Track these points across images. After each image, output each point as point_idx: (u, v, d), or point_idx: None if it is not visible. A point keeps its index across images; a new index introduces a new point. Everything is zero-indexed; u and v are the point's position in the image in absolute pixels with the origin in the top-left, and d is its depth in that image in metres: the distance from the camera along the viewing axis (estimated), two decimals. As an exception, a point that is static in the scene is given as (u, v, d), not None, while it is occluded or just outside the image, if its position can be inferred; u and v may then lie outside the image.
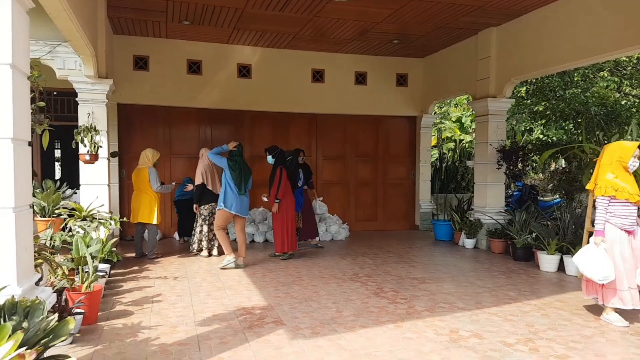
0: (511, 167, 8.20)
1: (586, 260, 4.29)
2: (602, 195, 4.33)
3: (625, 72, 12.57)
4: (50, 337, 2.42)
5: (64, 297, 3.88)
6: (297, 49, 9.75)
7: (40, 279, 3.01)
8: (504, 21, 7.97)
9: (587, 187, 4.66)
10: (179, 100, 9.25)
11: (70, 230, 5.51)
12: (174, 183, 7.84)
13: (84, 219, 5.58)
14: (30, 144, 2.91)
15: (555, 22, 7.03)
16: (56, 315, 2.51)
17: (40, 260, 3.09)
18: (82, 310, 3.78)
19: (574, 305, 4.90)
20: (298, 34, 8.74)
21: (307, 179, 8.20)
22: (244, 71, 9.63)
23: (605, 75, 12.05)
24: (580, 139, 11.16)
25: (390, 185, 10.84)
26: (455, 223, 8.97)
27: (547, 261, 6.58)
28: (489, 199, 8.43)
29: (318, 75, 10.08)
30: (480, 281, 5.91)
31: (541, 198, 11.51)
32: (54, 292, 3.88)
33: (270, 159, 7.24)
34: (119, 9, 7.39)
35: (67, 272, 4.43)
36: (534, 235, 7.17)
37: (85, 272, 4.31)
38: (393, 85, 10.59)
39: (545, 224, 7.60)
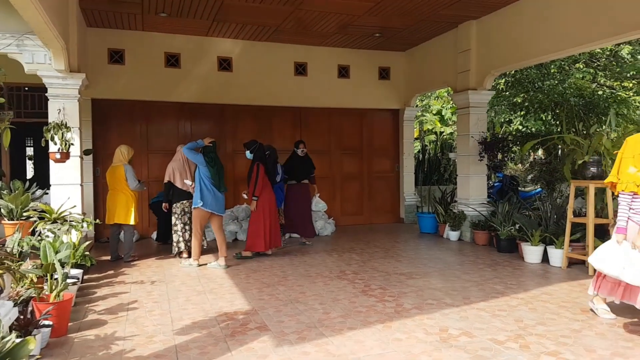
0: (493, 159, 8.18)
1: (606, 257, 3.92)
2: (624, 191, 3.97)
3: (599, 63, 12.65)
4: (7, 360, 2.19)
5: (30, 308, 3.63)
6: (279, 42, 9.54)
7: (1, 292, 2.77)
8: (484, 14, 7.92)
9: (607, 180, 4.22)
10: (157, 95, 8.97)
11: (39, 234, 5.24)
12: (143, 181, 7.22)
13: (54, 221, 5.31)
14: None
15: (534, 15, 7.00)
16: (13, 335, 2.28)
17: (1, 271, 2.86)
18: (50, 322, 3.54)
19: (560, 297, 4.84)
20: (280, 27, 8.53)
21: (308, 173, 8.14)
22: (225, 64, 9.38)
23: (581, 66, 12.10)
24: (558, 129, 11.21)
25: (375, 179, 10.74)
26: (439, 215, 8.92)
27: (531, 252, 6.55)
28: (472, 191, 8.38)
29: (301, 69, 9.89)
30: (467, 275, 5.83)
31: (522, 189, 11.55)
32: (20, 302, 3.66)
33: (248, 155, 7.01)
34: (92, 1, 7.08)
35: (35, 280, 4.18)
36: (517, 226, 7.16)
37: (55, 279, 4.07)
38: (376, 78, 10.47)
39: (528, 214, 7.60)
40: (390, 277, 5.75)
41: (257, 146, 7.02)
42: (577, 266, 6.21)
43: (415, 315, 4.31)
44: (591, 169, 5.95)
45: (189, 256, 6.88)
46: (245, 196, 7.29)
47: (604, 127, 7.03)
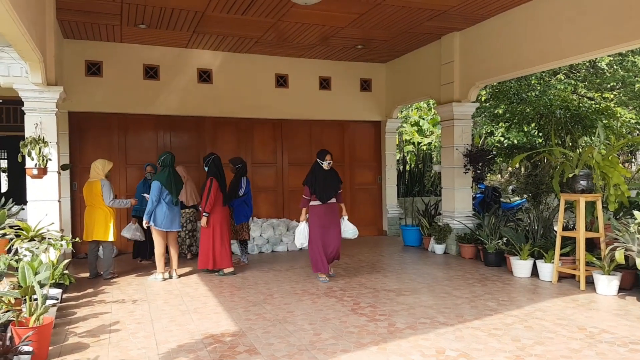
0: (478, 171, 8.19)
1: None
2: None
3: (579, 74, 12.93)
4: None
5: (8, 333, 3.43)
6: (260, 54, 9.45)
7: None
8: (467, 26, 7.95)
9: None
10: (135, 107, 8.77)
11: (16, 252, 5.00)
12: (131, 200, 7.09)
13: (31, 239, 5.09)
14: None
15: (517, 27, 7.05)
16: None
17: (-22, 299, 2.68)
18: (30, 348, 3.35)
19: (555, 314, 4.80)
20: (260, 39, 8.44)
21: (335, 190, 6.49)
22: (205, 76, 9.24)
23: (562, 77, 12.34)
24: (541, 141, 11.36)
25: (358, 191, 10.68)
26: (424, 228, 8.88)
27: (521, 267, 6.52)
28: (457, 204, 8.37)
29: (282, 80, 9.81)
30: (457, 291, 5.77)
31: (505, 200, 11.65)
32: (-3, 328, 3.46)
33: (205, 168, 6.90)
34: (69, 12, 6.88)
35: (13, 302, 3.97)
36: (504, 239, 7.13)
37: (34, 300, 3.86)
38: (357, 90, 10.46)
39: (515, 228, 7.59)
40: (379, 294, 5.65)
41: (211, 159, 6.83)
42: (568, 280, 6.21)
43: (409, 335, 4.21)
44: (581, 182, 5.95)
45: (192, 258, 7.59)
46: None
47: (593, 138, 7.10)
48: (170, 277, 6.66)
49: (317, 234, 6.34)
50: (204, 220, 6.64)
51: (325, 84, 10.18)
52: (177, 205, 6.60)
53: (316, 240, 6.34)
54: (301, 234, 6.45)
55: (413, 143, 16.82)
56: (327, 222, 6.38)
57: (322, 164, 6.44)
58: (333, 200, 6.46)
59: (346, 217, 6.68)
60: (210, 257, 6.70)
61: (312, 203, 6.42)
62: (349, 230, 6.62)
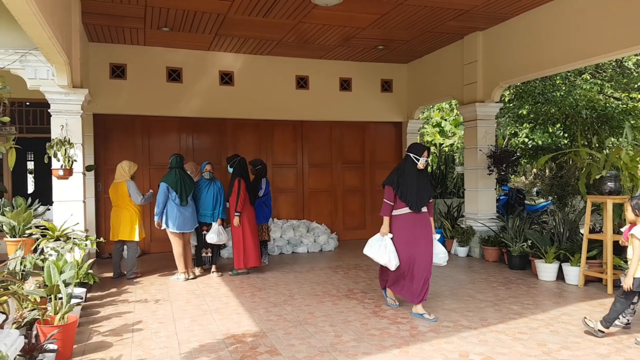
0: (502, 172, 8.05)
1: None
2: None
3: (605, 74, 12.63)
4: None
5: (34, 331, 3.49)
6: (280, 56, 9.48)
7: (6, 319, 2.64)
8: (490, 25, 7.84)
9: None
10: (158, 109, 8.88)
11: (42, 252, 5.10)
12: (151, 191, 7.18)
13: (57, 239, 5.18)
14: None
15: (541, 26, 6.92)
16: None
17: (4, 298, 2.73)
18: (55, 347, 3.40)
19: (581, 319, 4.66)
20: (282, 41, 8.46)
21: (428, 196, 5.00)
22: (226, 78, 9.31)
23: (587, 77, 12.07)
24: (567, 142, 11.13)
25: (378, 192, 10.60)
26: (446, 231, 8.77)
27: (546, 270, 6.38)
28: (481, 206, 8.25)
29: (302, 82, 9.82)
30: (481, 294, 5.68)
31: (529, 202, 11.44)
32: (24, 325, 3.53)
33: (229, 169, 7.03)
34: (94, 16, 7.00)
35: (38, 300, 4.04)
36: (529, 242, 6.99)
37: (59, 299, 3.93)
38: (378, 91, 10.40)
39: (540, 230, 7.44)
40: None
41: (237, 161, 6.96)
42: (594, 284, 6.06)
43: (432, 339, 4.15)
44: (609, 184, 5.80)
45: (196, 265, 7.25)
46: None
47: (620, 139, 6.93)
48: (194, 277, 6.77)
49: (400, 251, 4.86)
50: (236, 220, 6.72)
51: (345, 85, 10.15)
52: (186, 205, 6.62)
53: (403, 258, 4.86)
54: (386, 251, 4.85)
55: (435, 144, 16.66)
56: (415, 237, 4.83)
57: (418, 161, 4.89)
58: (424, 209, 4.96)
59: (437, 236, 5.12)
60: (241, 257, 6.80)
61: (396, 212, 4.93)
62: (440, 253, 5.01)
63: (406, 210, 4.87)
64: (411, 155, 4.95)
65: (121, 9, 6.76)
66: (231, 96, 9.30)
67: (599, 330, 4.11)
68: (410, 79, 10.49)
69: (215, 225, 6.82)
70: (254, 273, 6.99)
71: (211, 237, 6.73)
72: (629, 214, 4.21)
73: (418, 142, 5.45)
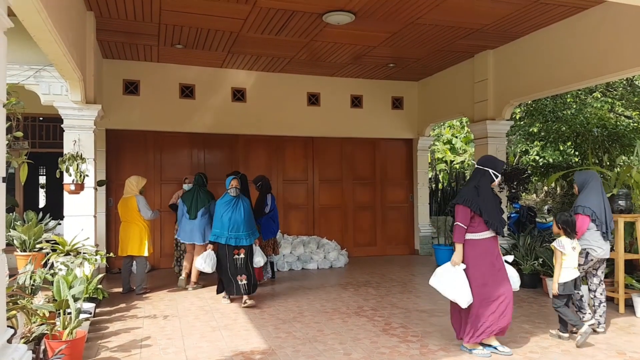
0: (513, 190, 7.99)
1: None
2: None
3: (616, 92, 12.56)
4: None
5: (42, 346, 3.48)
6: (292, 73, 9.56)
7: (14, 334, 2.64)
8: (501, 44, 7.86)
9: None
10: (171, 125, 8.96)
11: (52, 266, 5.11)
12: (159, 210, 7.36)
13: (67, 253, 5.20)
14: (4, 179, 2.57)
15: (552, 45, 6.93)
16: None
17: (13, 312, 2.73)
18: (64, 362, 3.39)
19: (593, 338, 4.59)
20: (294, 58, 8.54)
21: (503, 215, 4.59)
22: (239, 95, 9.39)
23: (598, 96, 12.02)
24: (577, 160, 11.05)
25: (389, 209, 10.57)
26: (456, 249, 8.67)
27: (558, 289, 6.27)
28: (492, 224, 8.15)
29: (314, 99, 9.88)
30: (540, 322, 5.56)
31: (540, 220, 11.32)
32: (32, 340, 3.52)
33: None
34: (109, 33, 7.13)
35: (47, 315, 4.05)
36: (540, 260, 6.92)
37: (68, 314, 3.93)
38: (389, 108, 10.43)
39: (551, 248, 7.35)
40: (411, 314, 5.53)
41: (238, 178, 6.55)
42: (606, 303, 5.93)
43: (442, 357, 4.09)
44: (620, 202, 5.74)
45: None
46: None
47: (631, 158, 6.88)
48: (190, 289, 6.98)
49: (482, 284, 4.13)
50: None
51: (356, 102, 10.19)
52: (194, 219, 6.96)
53: (482, 292, 4.13)
54: (457, 284, 4.11)
55: (445, 161, 16.63)
56: (497, 266, 4.22)
57: (496, 178, 4.33)
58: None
59: (511, 258, 4.52)
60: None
61: (471, 236, 4.20)
62: (513, 277, 4.41)
63: (487, 234, 4.18)
64: (490, 171, 4.28)
65: (135, 26, 6.88)
66: (243, 112, 9.37)
67: (559, 334, 4.62)
68: (421, 97, 10.51)
69: (208, 253, 6.12)
70: (262, 289, 6.94)
71: (199, 263, 6.11)
72: (554, 227, 4.74)
73: (491, 154, 5.04)
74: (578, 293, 4.78)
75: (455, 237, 4.22)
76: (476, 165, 4.44)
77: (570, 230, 4.62)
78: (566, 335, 4.61)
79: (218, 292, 6.40)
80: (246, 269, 6.04)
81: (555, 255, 4.65)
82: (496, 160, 4.39)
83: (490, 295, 4.11)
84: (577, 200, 5.00)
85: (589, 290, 5.07)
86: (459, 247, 4.19)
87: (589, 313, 4.79)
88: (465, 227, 4.16)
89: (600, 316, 4.87)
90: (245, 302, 5.90)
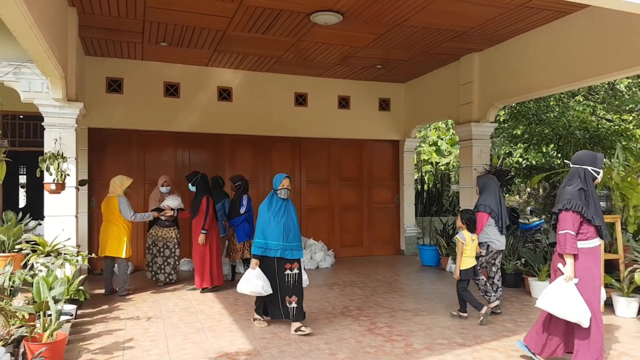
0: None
1: None
2: None
3: (598, 96, 12.78)
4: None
5: (21, 349, 3.40)
6: (279, 73, 9.52)
7: (-8, 336, 2.57)
8: (486, 47, 7.92)
9: None
10: (155, 124, 8.85)
11: (32, 267, 5.01)
12: (152, 212, 7.06)
13: (47, 254, 5.10)
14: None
15: (536, 49, 7.01)
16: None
17: (-9, 313, 2.66)
18: (43, 365, 3.32)
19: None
20: (281, 58, 8.50)
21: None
22: (225, 94, 9.32)
23: (580, 99, 12.20)
24: (560, 162, 11.19)
25: (375, 210, 10.59)
26: (441, 248, 8.75)
27: (539, 288, 6.34)
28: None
29: (301, 99, 9.85)
30: (475, 311, 5.59)
31: (523, 220, 11.44)
32: (11, 342, 3.44)
33: (191, 187, 6.95)
34: (91, 29, 7.01)
35: (27, 317, 3.95)
36: (523, 260, 7.00)
37: (48, 316, 3.84)
38: (376, 109, 10.45)
39: (534, 248, 7.46)
40: (396, 314, 5.54)
41: (199, 177, 6.89)
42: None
43: (426, 356, 4.10)
44: (600, 203, 5.82)
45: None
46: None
47: (612, 160, 6.99)
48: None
49: (596, 299, 3.72)
50: (201, 238, 6.67)
51: (344, 103, 10.19)
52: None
53: (596, 308, 3.71)
54: (575, 301, 3.63)
55: (431, 163, 16.73)
56: (599, 277, 3.82)
57: (597, 175, 3.86)
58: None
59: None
60: (208, 275, 6.75)
61: (583, 244, 3.75)
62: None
63: (597, 241, 3.77)
64: (589, 168, 3.84)
65: (119, 23, 6.78)
66: (229, 112, 9.30)
67: (460, 314, 5.35)
68: (407, 98, 10.55)
69: (255, 271, 4.92)
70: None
71: (243, 287, 4.93)
72: (458, 222, 5.42)
73: (587, 150, 4.67)
74: (482, 279, 5.49)
75: (568, 247, 3.66)
76: (571, 165, 3.94)
77: (472, 226, 5.34)
78: (465, 314, 5.34)
79: (258, 312, 5.25)
80: (299, 288, 4.97)
81: (457, 245, 5.33)
82: (593, 154, 3.89)
83: (598, 310, 3.72)
84: (478, 200, 5.71)
85: (489, 277, 5.76)
86: (570, 259, 3.68)
87: (494, 296, 5.50)
88: (576, 235, 3.71)
89: (498, 299, 5.55)
90: (299, 330, 4.77)
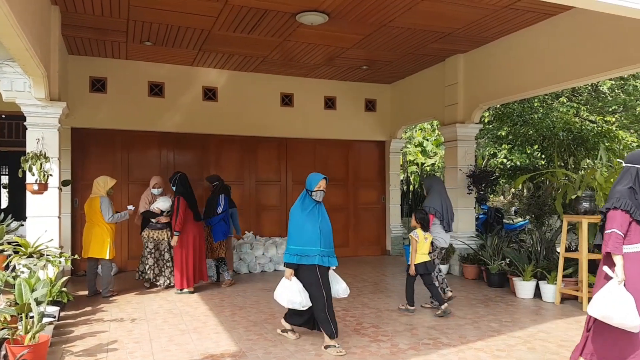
0: (481, 192, 8.14)
1: None
2: None
3: (581, 98, 12.96)
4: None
5: (3, 351, 3.35)
6: (265, 73, 9.50)
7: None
8: (471, 48, 7.99)
9: None
10: (139, 124, 8.77)
11: (14, 269, 4.93)
12: (131, 207, 6.99)
13: (30, 255, 5.02)
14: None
15: (520, 51, 7.08)
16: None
17: (-28, 316, 2.62)
18: (25, 367, 3.27)
19: (558, 336, 4.72)
20: (266, 58, 8.49)
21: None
22: (210, 94, 9.27)
23: (564, 100, 12.37)
24: (544, 163, 11.34)
25: (361, 210, 10.62)
26: (427, 249, 8.78)
27: (524, 288, 6.44)
28: (461, 224, 8.28)
29: (287, 100, 9.84)
30: (460, 311, 5.68)
31: (507, 221, 11.56)
32: (-8, 345, 3.38)
33: (173, 187, 6.93)
34: (75, 28, 6.93)
35: (8, 319, 3.90)
36: (507, 260, 7.08)
37: (30, 317, 3.79)
38: (362, 110, 10.48)
39: (518, 249, 7.54)
40: (382, 314, 5.56)
41: (177, 178, 6.85)
42: (570, 301, 6.13)
43: (412, 356, 4.12)
44: (584, 204, 5.93)
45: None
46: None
47: (595, 161, 7.11)
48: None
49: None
50: (174, 240, 6.63)
51: (330, 103, 10.21)
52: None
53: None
54: (629, 306, 3.28)
55: (417, 163, 16.82)
56: None
57: None
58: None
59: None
60: (185, 276, 6.69)
61: (630, 248, 3.46)
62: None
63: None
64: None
65: (103, 22, 6.71)
66: (215, 112, 9.26)
67: (407, 307, 5.73)
68: (393, 99, 10.60)
69: (291, 282, 4.37)
70: (234, 289, 6.85)
71: (291, 298, 4.34)
72: (412, 221, 5.82)
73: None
74: (440, 275, 6.07)
75: (615, 247, 3.39)
76: (624, 164, 3.67)
77: (425, 225, 5.73)
78: (412, 308, 5.71)
79: (291, 324, 4.72)
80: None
81: (411, 243, 5.71)
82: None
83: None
84: (425, 201, 6.13)
85: (439, 270, 6.18)
86: (619, 260, 3.38)
87: (449, 290, 6.05)
88: (624, 236, 3.42)
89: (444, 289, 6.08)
90: (339, 352, 4.19)
